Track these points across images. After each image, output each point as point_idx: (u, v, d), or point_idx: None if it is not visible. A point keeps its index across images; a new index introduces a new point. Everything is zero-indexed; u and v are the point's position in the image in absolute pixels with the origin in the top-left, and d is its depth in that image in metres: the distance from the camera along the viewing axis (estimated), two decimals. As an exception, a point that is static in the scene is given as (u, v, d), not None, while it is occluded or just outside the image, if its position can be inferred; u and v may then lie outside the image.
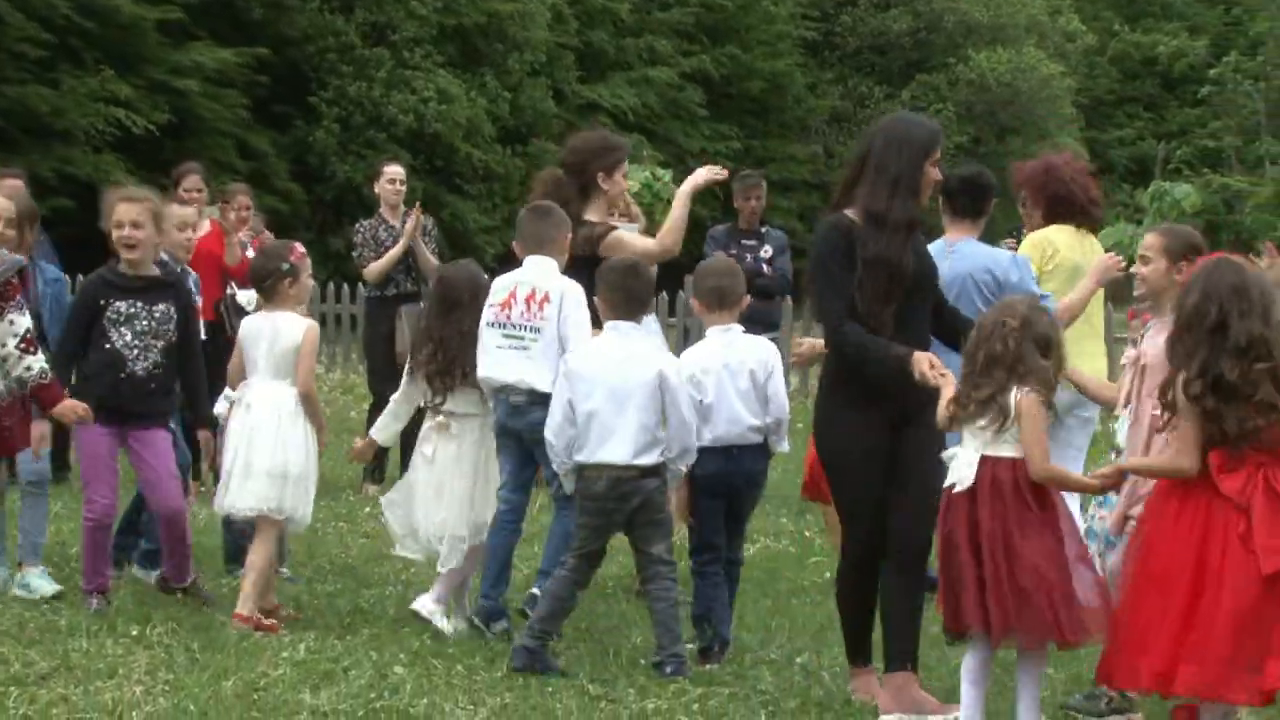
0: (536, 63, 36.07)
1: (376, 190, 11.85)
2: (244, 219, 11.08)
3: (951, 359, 5.87)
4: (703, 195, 8.41)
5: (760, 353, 6.77)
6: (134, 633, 6.68)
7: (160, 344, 7.19)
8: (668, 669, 6.31)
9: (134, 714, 5.53)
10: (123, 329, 7.11)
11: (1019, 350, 5.42)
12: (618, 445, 6.39)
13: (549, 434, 6.53)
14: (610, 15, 39.82)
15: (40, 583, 7.45)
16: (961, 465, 5.49)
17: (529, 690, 6.01)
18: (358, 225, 11.94)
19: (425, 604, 7.12)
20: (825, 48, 46.69)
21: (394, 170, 11.92)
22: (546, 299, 6.94)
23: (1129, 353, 6.26)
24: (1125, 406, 6.06)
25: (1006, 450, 5.43)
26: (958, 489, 5.47)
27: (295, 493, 7.19)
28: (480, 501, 7.11)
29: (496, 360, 6.97)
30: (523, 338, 6.94)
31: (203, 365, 7.55)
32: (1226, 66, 48.96)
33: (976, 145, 44.59)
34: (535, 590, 7.03)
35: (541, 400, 6.72)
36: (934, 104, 44.00)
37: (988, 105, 45.08)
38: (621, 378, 6.43)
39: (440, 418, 7.15)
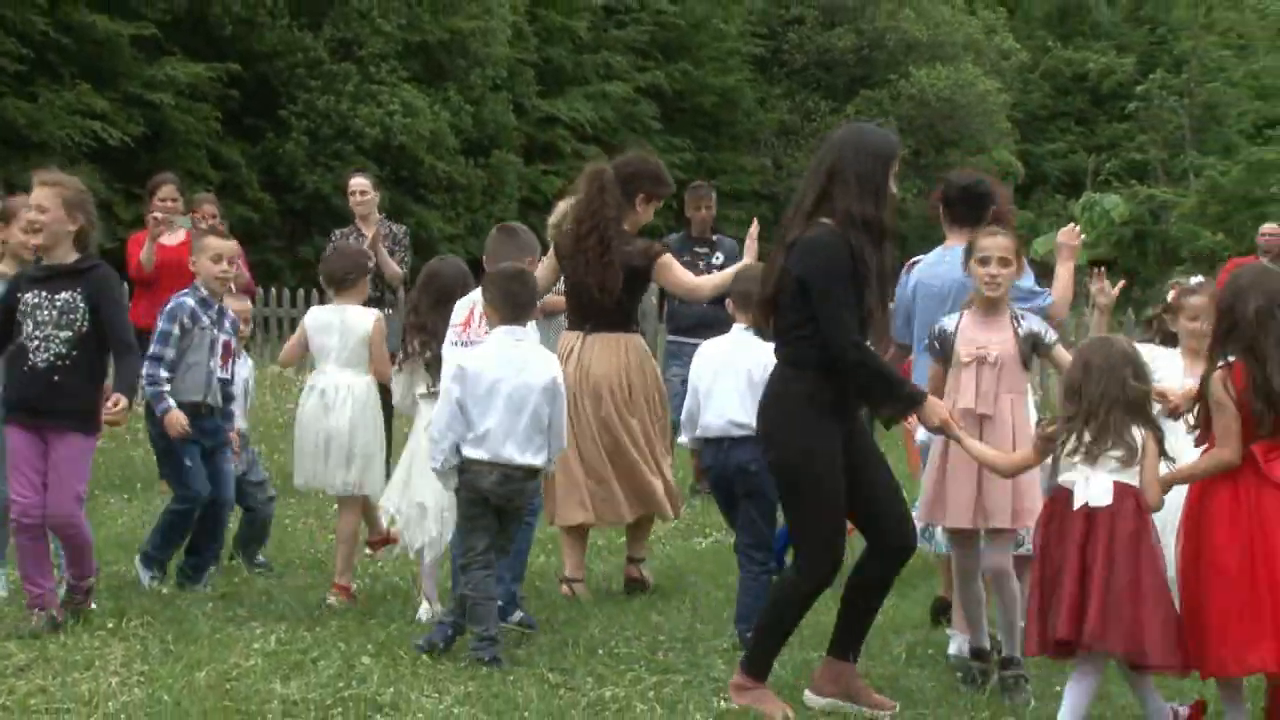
0: (498, 78, 36.01)
1: (350, 203, 11.90)
2: (210, 227, 11.04)
3: None
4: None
5: (763, 356, 6.67)
6: (110, 625, 6.63)
7: (65, 334, 6.56)
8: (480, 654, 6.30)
9: (110, 704, 5.48)
10: (28, 320, 6.62)
11: (1140, 395, 5.49)
12: (512, 445, 6.40)
13: (435, 432, 6.48)
14: (568, 32, 39.77)
15: None
16: (1095, 487, 5.43)
17: (491, 679, 6.01)
18: (332, 234, 12.02)
19: (427, 611, 7.17)
20: (774, 64, 46.74)
21: (355, 183, 11.92)
22: None
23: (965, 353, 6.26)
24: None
25: (1132, 478, 5.46)
26: (1093, 505, 5.42)
27: (367, 470, 7.61)
28: None
29: None
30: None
31: (130, 349, 6.82)
32: (1153, 83, 49.28)
33: (917, 157, 44.69)
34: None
35: None
36: (877, 118, 44.11)
37: (928, 119, 45.20)
38: (521, 382, 6.43)
39: None
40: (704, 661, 6.36)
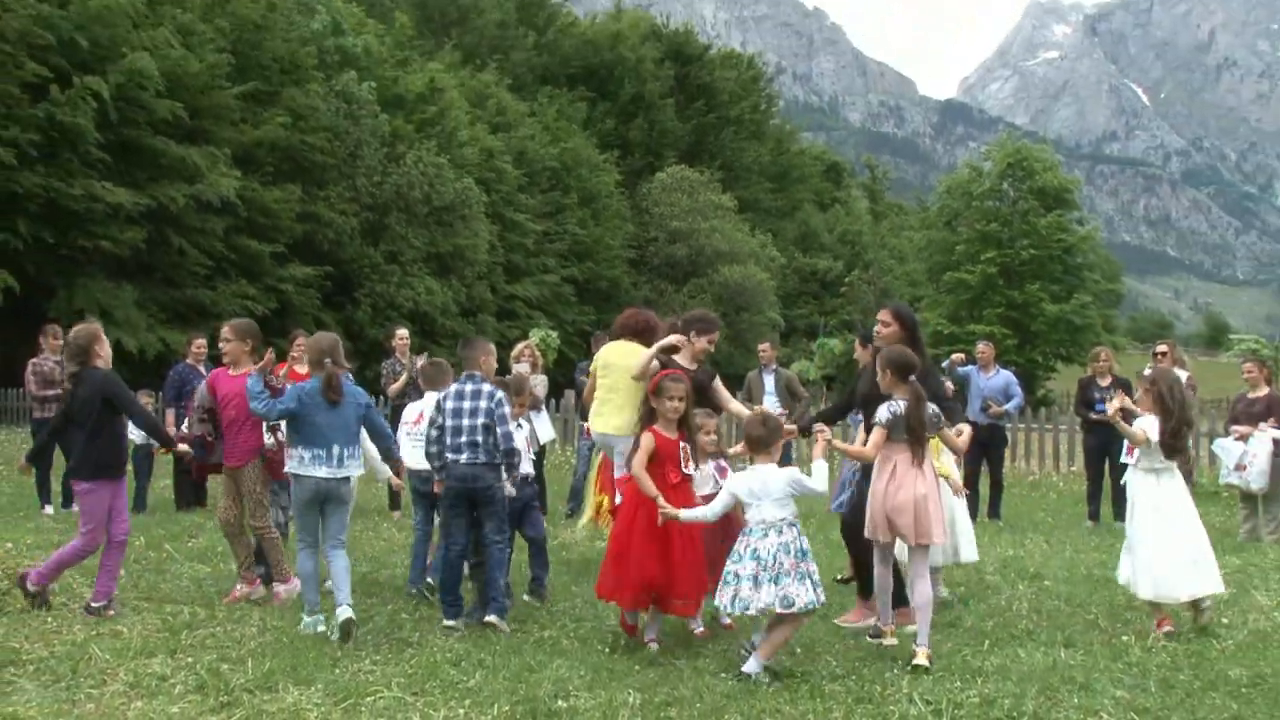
0: (480, 271, 36.29)
1: (393, 343, 11.80)
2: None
3: None
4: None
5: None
6: (254, 600, 6.52)
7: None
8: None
9: (252, 643, 5.41)
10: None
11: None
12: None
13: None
14: (522, 246, 40.16)
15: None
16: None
17: (470, 629, 5.92)
18: (384, 363, 11.90)
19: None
20: (640, 263, 47.29)
21: (402, 331, 11.87)
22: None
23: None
24: None
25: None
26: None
27: None
28: None
29: (410, 454, 6.68)
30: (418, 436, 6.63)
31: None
32: (854, 276, 50.73)
33: (725, 317, 45.19)
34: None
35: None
36: (700, 295, 44.70)
37: (730, 295, 45.80)
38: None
39: None
40: (602, 614, 6.28)
